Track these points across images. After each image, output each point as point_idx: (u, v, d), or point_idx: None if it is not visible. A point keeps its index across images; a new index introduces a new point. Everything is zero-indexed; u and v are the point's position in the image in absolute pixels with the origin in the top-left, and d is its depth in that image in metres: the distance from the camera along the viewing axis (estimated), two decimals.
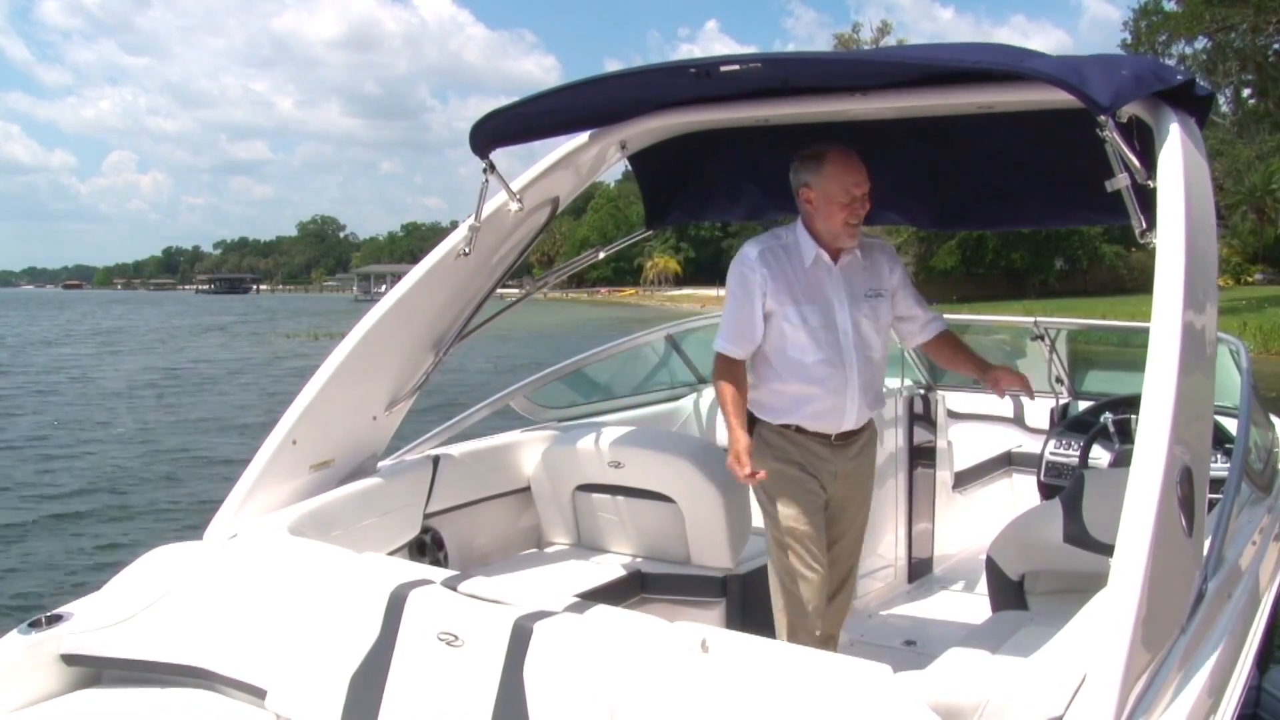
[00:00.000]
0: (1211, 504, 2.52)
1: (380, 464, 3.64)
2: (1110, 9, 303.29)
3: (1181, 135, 2.42)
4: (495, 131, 3.18)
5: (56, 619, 2.73)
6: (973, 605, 4.50)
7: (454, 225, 3.63)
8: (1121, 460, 4.59)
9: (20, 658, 2.64)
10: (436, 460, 3.81)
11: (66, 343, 39.72)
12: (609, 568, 3.81)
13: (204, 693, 2.63)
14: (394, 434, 3.67)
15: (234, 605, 2.68)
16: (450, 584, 2.39)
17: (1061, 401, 5.74)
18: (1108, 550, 2.06)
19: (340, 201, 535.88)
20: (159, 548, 2.94)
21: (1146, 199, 2.33)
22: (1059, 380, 5.87)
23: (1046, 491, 5.03)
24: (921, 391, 5.14)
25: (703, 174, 3.86)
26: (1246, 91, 42.91)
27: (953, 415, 5.54)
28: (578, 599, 2.36)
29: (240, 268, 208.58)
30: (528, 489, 4.14)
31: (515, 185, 3.32)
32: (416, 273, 3.37)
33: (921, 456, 4.94)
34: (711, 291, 61.87)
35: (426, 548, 3.69)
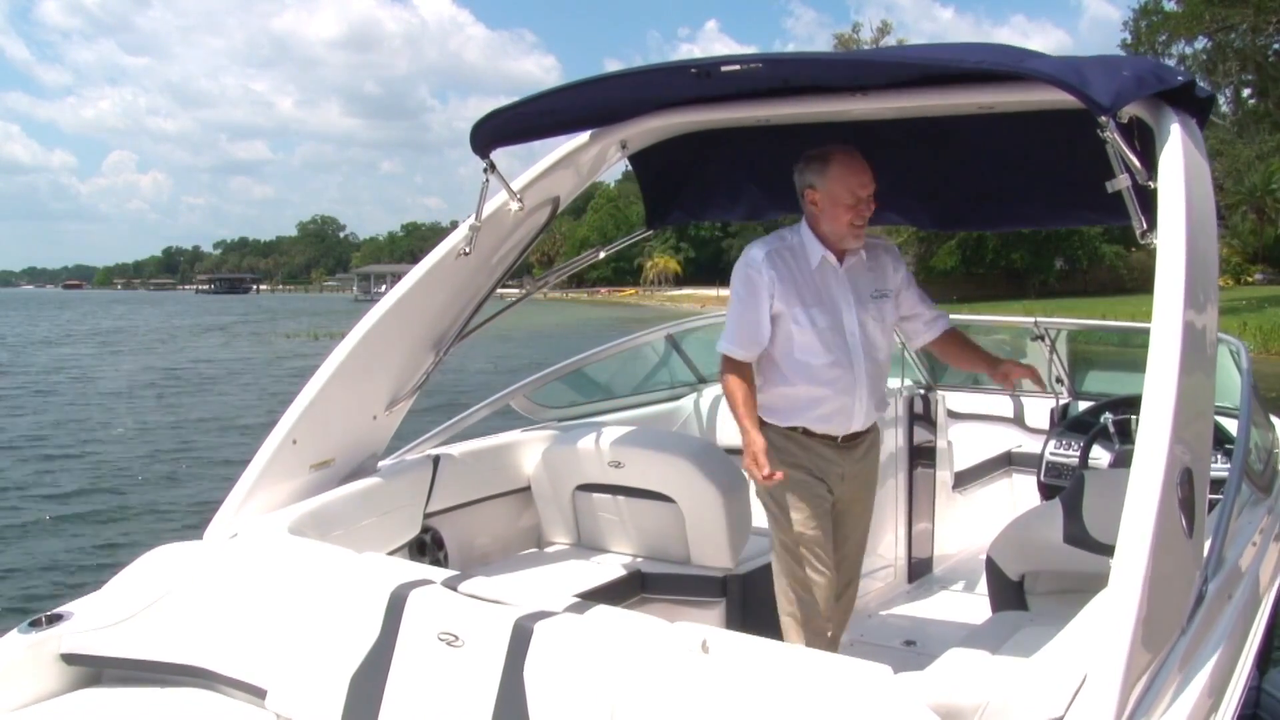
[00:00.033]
0: (1212, 505, 2.51)
1: (380, 464, 3.63)
2: (1110, 9, 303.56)
3: (1182, 136, 2.42)
4: (496, 131, 3.18)
5: (56, 618, 2.73)
6: (973, 605, 4.50)
7: (454, 225, 3.62)
8: (1122, 461, 4.59)
9: (20, 657, 2.64)
10: (437, 460, 3.80)
11: (67, 343, 39.72)
12: (609, 568, 3.81)
13: (204, 692, 2.63)
14: (394, 434, 3.67)
15: (234, 605, 2.68)
16: (450, 584, 2.39)
17: (1061, 402, 5.73)
18: (1108, 551, 2.05)
19: (340, 201, 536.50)
20: (159, 547, 2.94)
21: (1147, 199, 2.33)
22: (1059, 380, 5.87)
23: (1046, 492, 5.03)
24: (921, 391, 5.15)
25: (703, 174, 3.86)
26: (1246, 91, 42.97)
27: (953, 415, 5.54)
28: (578, 599, 2.36)
29: (240, 268, 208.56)
30: (528, 489, 4.14)
31: (516, 185, 3.32)
32: (416, 273, 3.37)
33: (921, 456, 4.94)
34: (711, 291, 61.83)
35: (427, 547, 3.69)
